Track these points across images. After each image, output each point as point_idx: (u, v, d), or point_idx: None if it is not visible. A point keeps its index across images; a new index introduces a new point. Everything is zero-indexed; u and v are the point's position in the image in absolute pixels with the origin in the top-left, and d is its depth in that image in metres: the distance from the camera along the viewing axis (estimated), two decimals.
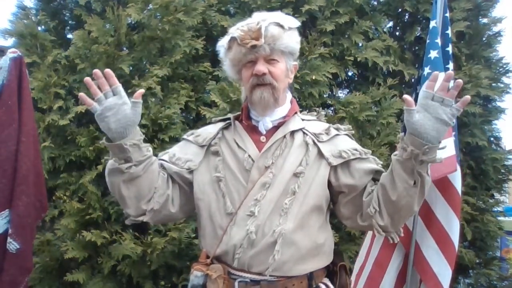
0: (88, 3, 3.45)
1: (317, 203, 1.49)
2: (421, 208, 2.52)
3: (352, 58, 3.56)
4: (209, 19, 3.58)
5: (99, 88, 1.40)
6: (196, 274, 1.47)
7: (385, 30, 3.85)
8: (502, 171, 3.88)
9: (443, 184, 2.55)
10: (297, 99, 3.45)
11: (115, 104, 1.38)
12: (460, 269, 3.67)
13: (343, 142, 1.56)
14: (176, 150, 1.63)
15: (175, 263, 3.17)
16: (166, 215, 1.57)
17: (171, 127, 3.19)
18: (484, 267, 3.85)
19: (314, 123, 1.62)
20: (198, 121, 3.44)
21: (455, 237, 2.52)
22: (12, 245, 2.04)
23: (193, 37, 3.44)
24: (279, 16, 1.53)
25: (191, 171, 1.56)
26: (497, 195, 4.00)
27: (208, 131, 1.62)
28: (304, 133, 1.55)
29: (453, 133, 2.58)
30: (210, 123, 1.71)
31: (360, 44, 3.68)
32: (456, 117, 1.34)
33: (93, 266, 3.15)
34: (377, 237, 2.61)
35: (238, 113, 1.64)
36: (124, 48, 3.40)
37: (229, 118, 1.64)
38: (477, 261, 3.83)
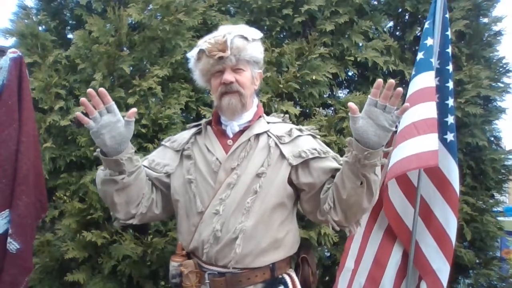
0: (89, 3, 3.45)
1: (279, 201, 1.61)
2: (420, 207, 2.57)
3: (352, 58, 3.56)
4: (209, 19, 3.58)
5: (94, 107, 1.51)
6: (173, 265, 1.65)
7: (385, 30, 3.84)
8: (502, 171, 3.87)
9: (442, 184, 2.57)
10: (297, 99, 3.47)
11: (110, 122, 1.50)
12: (460, 269, 3.67)
13: (305, 143, 1.67)
14: (154, 155, 1.79)
15: None
16: (151, 216, 1.75)
17: (172, 127, 3.19)
18: (484, 267, 3.85)
19: (279, 126, 1.73)
20: (198, 121, 3.44)
21: (452, 233, 2.57)
22: (12, 245, 2.04)
23: (193, 37, 3.44)
24: (243, 29, 1.66)
25: (168, 175, 1.71)
26: (497, 195, 3.99)
27: (182, 137, 1.77)
28: (268, 135, 1.67)
29: (452, 133, 2.58)
30: (185, 129, 1.87)
31: (360, 44, 3.68)
32: (396, 123, 1.43)
33: (93, 266, 3.15)
34: (373, 234, 2.63)
35: (210, 118, 1.79)
36: (125, 48, 3.40)
37: (201, 124, 1.78)
38: (477, 261, 3.83)
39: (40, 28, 3.48)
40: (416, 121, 2.41)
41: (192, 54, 1.70)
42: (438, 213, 2.58)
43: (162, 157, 1.76)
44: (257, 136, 1.66)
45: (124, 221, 1.70)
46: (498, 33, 3.88)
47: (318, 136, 1.76)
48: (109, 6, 3.27)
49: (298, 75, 3.36)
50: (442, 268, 2.55)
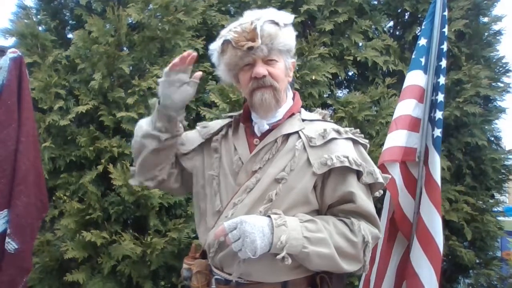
0: (88, 3, 3.45)
1: (297, 214, 1.37)
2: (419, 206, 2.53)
3: (351, 58, 3.56)
4: (209, 19, 3.59)
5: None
6: (184, 267, 1.54)
7: (385, 29, 3.84)
8: (502, 171, 3.87)
9: (426, 179, 2.51)
10: None
11: (183, 80, 1.48)
12: (460, 269, 3.67)
13: (339, 147, 1.41)
14: (187, 135, 1.65)
15: (174, 263, 3.18)
16: (170, 187, 1.62)
17: None
18: (484, 267, 3.84)
19: (315, 124, 1.49)
20: (198, 121, 3.43)
21: (437, 235, 2.41)
22: (11, 245, 2.05)
23: (193, 37, 3.45)
24: (273, 13, 1.47)
25: (182, 155, 1.60)
26: (497, 195, 3.99)
27: (214, 125, 1.63)
28: (299, 136, 1.44)
29: (439, 129, 2.53)
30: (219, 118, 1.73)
31: (360, 44, 3.68)
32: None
33: (93, 266, 3.15)
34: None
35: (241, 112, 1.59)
36: (124, 48, 3.41)
37: (236, 116, 1.60)
38: (477, 261, 3.83)
39: (40, 28, 3.49)
40: (397, 116, 2.58)
41: (214, 47, 1.50)
42: (422, 210, 2.48)
43: (186, 138, 1.62)
44: (287, 136, 1.45)
45: (143, 180, 1.57)
46: (498, 33, 3.88)
47: (363, 141, 1.48)
48: (108, 6, 3.27)
49: (298, 75, 3.36)
50: (426, 273, 2.39)
